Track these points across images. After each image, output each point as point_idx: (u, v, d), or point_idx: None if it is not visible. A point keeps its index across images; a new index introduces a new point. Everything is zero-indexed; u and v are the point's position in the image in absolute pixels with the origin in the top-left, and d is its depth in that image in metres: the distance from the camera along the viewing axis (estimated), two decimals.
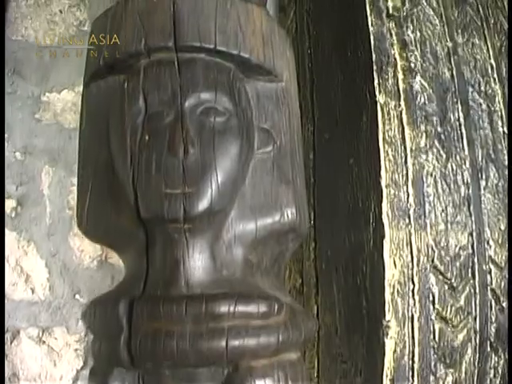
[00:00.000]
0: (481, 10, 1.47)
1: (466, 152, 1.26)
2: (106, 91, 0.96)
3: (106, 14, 0.98)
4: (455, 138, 1.26)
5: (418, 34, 1.34)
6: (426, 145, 1.23)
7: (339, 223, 1.26)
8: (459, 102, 1.30)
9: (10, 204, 2.43)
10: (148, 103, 0.87)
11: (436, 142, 1.24)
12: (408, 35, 1.32)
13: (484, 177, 1.25)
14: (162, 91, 0.87)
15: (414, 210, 1.17)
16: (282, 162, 0.94)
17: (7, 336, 2.14)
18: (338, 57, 1.31)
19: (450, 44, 1.37)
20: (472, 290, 1.15)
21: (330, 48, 1.33)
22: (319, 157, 1.34)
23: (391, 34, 1.29)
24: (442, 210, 1.19)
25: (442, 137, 1.25)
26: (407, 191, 1.17)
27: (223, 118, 0.87)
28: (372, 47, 1.23)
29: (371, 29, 1.24)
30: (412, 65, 1.29)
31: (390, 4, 1.32)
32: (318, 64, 1.38)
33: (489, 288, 1.17)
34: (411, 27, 1.34)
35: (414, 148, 1.21)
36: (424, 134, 1.23)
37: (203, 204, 0.80)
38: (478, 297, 1.15)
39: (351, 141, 1.23)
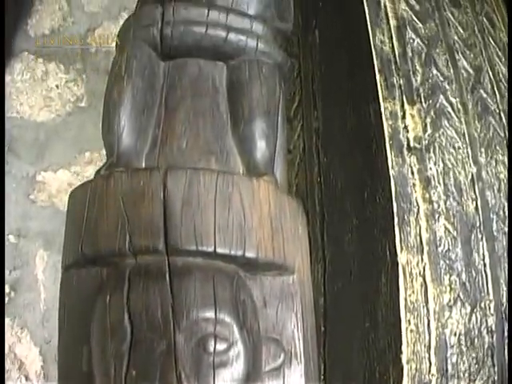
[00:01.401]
0: (503, 117, 1.32)
1: (491, 296, 1.11)
2: (87, 284, 0.79)
3: (85, 187, 0.82)
4: (480, 282, 1.11)
5: (441, 164, 1.18)
6: (450, 300, 1.07)
7: None
8: (484, 238, 1.15)
9: None
10: (134, 326, 0.71)
11: (461, 294, 1.09)
12: (430, 169, 1.16)
13: (508, 319, 1.10)
14: (150, 313, 0.70)
15: (436, 380, 1.01)
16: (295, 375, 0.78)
17: None
18: (351, 196, 1.15)
19: (473, 169, 1.22)
20: None
21: (343, 182, 1.18)
22: (331, 305, 1.18)
23: (413, 173, 1.13)
24: (465, 370, 1.04)
25: (467, 285, 1.09)
26: (429, 360, 1.01)
27: (225, 344, 0.71)
28: (393, 194, 1.07)
29: (391, 172, 1.08)
30: (435, 205, 1.13)
31: (411, 135, 1.16)
32: (329, 197, 1.22)
33: None
34: (433, 158, 1.18)
35: (437, 309, 1.05)
36: (448, 288, 1.07)
37: None
38: None
39: (367, 300, 1.07)
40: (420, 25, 1.33)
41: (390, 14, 1.28)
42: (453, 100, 1.26)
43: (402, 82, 1.20)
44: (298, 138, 1.34)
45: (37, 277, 2.27)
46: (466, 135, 1.25)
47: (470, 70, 1.35)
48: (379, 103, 1.12)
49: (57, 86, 2.37)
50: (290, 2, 1.13)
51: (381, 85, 1.15)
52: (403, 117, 1.16)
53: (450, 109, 1.26)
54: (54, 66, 2.39)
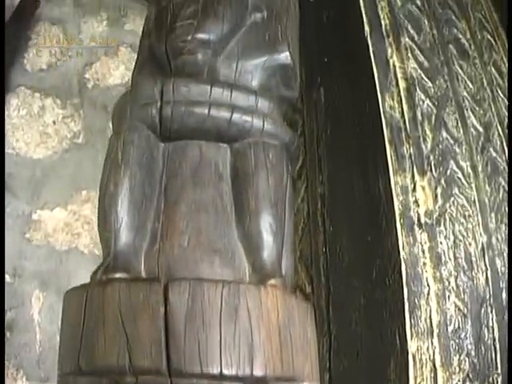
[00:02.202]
0: None
1: (499, 369, 1.06)
2: None
3: (80, 292, 0.76)
4: (489, 358, 1.06)
5: (452, 237, 1.13)
6: (459, 380, 1.03)
7: None
8: (493, 311, 1.10)
9: None
10: None
11: (470, 374, 1.04)
12: (441, 243, 1.11)
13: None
14: None
15: None
16: None
17: None
18: (359, 273, 1.09)
19: (484, 238, 1.17)
20: None
21: (351, 258, 1.11)
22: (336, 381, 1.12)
23: (423, 251, 1.07)
24: None
25: (477, 363, 1.04)
26: None
27: None
28: (404, 278, 1.01)
29: (402, 254, 1.02)
30: (446, 283, 1.07)
31: (422, 209, 1.10)
32: (335, 270, 1.15)
33: None
34: (444, 232, 1.12)
35: None
36: (457, 369, 1.02)
37: None
38: None
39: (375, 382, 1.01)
40: (429, 84, 1.27)
41: (399, 75, 1.22)
42: (463, 164, 1.21)
43: (412, 150, 1.14)
44: (301, 201, 1.28)
45: (33, 317, 2.20)
46: (477, 202, 1.20)
47: (480, 128, 1.29)
48: (389, 178, 1.06)
49: (53, 122, 2.30)
50: (296, 69, 1.07)
51: (391, 157, 1.09)
52: (413, 190, 1.10)
53: (460, 174, 1.21)
54: (51, 101, 2.33)
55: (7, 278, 2.19)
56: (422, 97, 1.24)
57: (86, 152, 2.26)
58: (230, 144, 0.89)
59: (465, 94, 1.33)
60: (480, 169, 1.24)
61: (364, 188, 1.09)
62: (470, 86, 1.35)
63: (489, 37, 1.48)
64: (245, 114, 0.89)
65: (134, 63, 2.41)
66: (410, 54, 1.29)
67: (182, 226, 0.81)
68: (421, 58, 1.30)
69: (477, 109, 1.33)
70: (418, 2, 1.39)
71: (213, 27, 1.00)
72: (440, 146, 1.20)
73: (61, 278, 2.19)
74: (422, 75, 1.28)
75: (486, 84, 1.38)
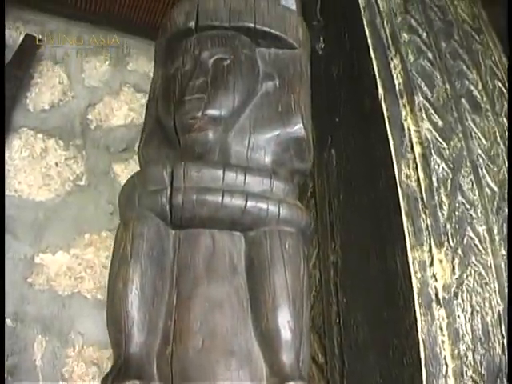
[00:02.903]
0: None
1: None
2: None
3: None
4: None
5: (469, 309, 1.09)
6: None
7: None
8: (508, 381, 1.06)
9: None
10: None
11: None
12: (458, 317, 1.06)
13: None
14: None
15: None
16: None
17: None
18: (375, 351, 1.04)
19: (501, 306, 1.13)
20: None
21: (366, 334, 1.06)
22: None
23: (441, 329, 1.02)
24: None
25: None
26: None
27: None
28: (422, 359, 0.96)
29: (421, 334, 0.97)
30: (464, 359, 1.03)
31: (440, 284, 1.06)
32: (350, 344, 1.10)
33: None
34: (462, 304, 1.08)
35: None
36: None
37: None
38: None
39: None
40: (444, 145, 1.23)
41: (414, 140, 1.18)
42: (479, 229, 1.17)
43: (429, 221, 1.09)
44: (313, 267, 1.23)
45: (35, 363, 2.14)
46: (493, 267, 1.15)
47: (495, 188, 1.25)
48: (407, 253, 1.01)
49: (56, 164, 2.26)
50: (310, 140, 1.03)
51: (408, 231, 1.04)
52: (431, 264, 1.06)
53: (477, 241, 1.17)
54: (53, 143, 2.28)
55: (9, 322, 2.13)
56: (438, 161, 1.20)
57: (88, 194, 2.22)
58: (245, 233, 0.84)
59: (479, 151, 1.29)
60: (496, 231, 1.20)
61: (380, 262, 1.05)
62: (484, 142, 1.31)
63: (500, 84, 1.45)
64: (260, 201, 0.84)
65: (136, 103, 2.38)
66: (424, 115, 1.25)
67: (196, 327, 0.76)
68: (435, 117, 1.26)
69: (491, 166, 1.29)
70: (430, 55, 1.36)
71: (224, 101, 0.96)
72: (456, 213, 1.16)
73: (64, 323, 2.13)
74: (437, 136, 1.24)
75: (498, 138, 1.35)
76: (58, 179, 2.23)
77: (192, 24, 1.09)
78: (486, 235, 1.18)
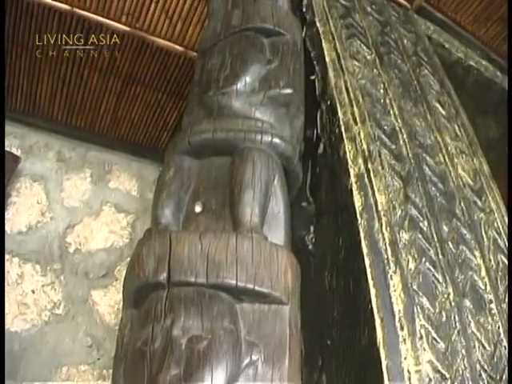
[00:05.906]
0: None
1: None
2: None
3: None
4: None
5: None
6: None
7: None
8: None
9: None
10: None
11: None
12: None
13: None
14: None
15: None
16: None
17: None
18: None
19: None
20: None
21: None
22: None
23: None
24: None
25: None
26: None
27: None
28: None
29: None
30: None
31: None
32: None
33: None
34: None
35: None
36: None
37: None
38: None
39: None
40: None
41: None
42: None
43: None
44: None
45: None
46: None
47: None
48: None
49: (32, 291, 2.10)
50: None
51: None
52: None
53: None
54: (30, 267, 2.13)
55: None
56: None
57: (66, 325, 2.06)
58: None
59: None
60: None
61: None
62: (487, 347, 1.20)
63: (503, 258, 1.35)
64: None
65: (117, 224, 2.22)
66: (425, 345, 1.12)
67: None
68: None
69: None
70: (432, 253, 1.23)
71: None
72: None
73: None
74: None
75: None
76: (35, 308, 2.07)
77: (163, 277, 0.95)
78: None
